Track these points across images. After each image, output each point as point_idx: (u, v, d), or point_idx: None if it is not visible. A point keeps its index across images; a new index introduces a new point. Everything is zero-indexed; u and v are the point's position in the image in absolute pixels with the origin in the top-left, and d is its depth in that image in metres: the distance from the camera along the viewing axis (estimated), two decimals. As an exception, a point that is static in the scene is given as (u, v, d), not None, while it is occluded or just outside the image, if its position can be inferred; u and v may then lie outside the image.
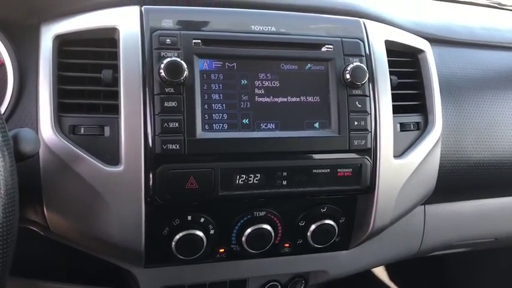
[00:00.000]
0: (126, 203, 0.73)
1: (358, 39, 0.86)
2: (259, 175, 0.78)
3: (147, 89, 0.73)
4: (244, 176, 0.78)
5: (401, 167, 0.88)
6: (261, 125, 0.79)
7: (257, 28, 0.81)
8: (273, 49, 0.80)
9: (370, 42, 0.87)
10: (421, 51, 0.95)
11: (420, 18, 1.03)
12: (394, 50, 0.91)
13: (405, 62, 0.94)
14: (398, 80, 0.91)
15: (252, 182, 0.78)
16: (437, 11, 1.15)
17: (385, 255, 1.01)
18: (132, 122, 0.72)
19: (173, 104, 0.74)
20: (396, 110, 0.86)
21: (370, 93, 0.84)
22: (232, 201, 0.80)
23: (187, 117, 0.74)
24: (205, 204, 0.79)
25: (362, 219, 0.89)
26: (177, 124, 0.73)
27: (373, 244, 0.96)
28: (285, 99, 0.81)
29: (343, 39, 0.84)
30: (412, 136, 0.92)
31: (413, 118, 0.93)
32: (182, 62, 0.72)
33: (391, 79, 0.88)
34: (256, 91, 0.79)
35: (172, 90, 0.74)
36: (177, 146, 0.73)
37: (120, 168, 0.73)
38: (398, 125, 0.91)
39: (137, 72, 0.73)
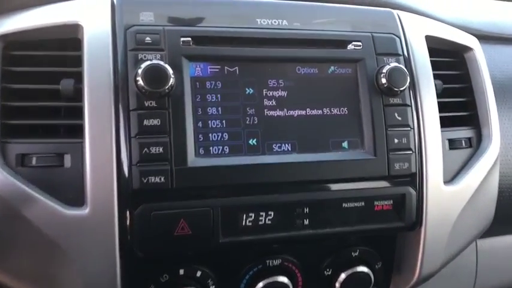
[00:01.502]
0: (95, 257, 0.61)
1: (393, 34, 0.75)
2: (272, 213, 0.66)
3: (120, 103, 0.62)
4: (253, 215, 0.65)
5: (454, 194, 0.76)
6: (274, 146, 0.67)
7: (264, 22, 0.70)
8: (286, 48, 0.70)
9: (408, 38, 0.77)
10: (468, 49, 0.85)
11: (463, 12, 0.99)
12: (435, 48, 0.81)
13: (449, 63, 0.85)
14: (444, 85, 0.80)
15: (263, 222, 0.66)
16: (480, 7, 1.09)
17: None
18: (101, 148, 0.61)
19: (155, 122, 0.62)
20: (442, 122, 0.76)
21: (411, 102, 0.73)
22: (237, 249, 0.68)
23: (174, 139, 0.62)
24: (202, 253, 0.67)
25: (405, 264, 0.77)
26: (161, 149, 0.61)
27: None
28: (303, 112, 0.69)
29: (374, 34, 0.74)
30: (463, 155, 0.81)
31: (464, 133, 0.82)
32: (167, 66, 0.61)
33: (435, 84, 0.78)
34: (266, 102, 0.68)
35: (154, 103, 0.62)
36: (162, 179, 0.61)
37: (85, 211, 0.60)
38: (447, 142, 0.79)
39: (107, 81, 0.62)
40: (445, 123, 0.78)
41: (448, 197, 0.76)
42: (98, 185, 0.61)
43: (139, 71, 0.61)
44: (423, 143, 0.73)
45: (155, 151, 0.61)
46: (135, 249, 0.62)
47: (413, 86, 0.74)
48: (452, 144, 0.80)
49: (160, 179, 0.61)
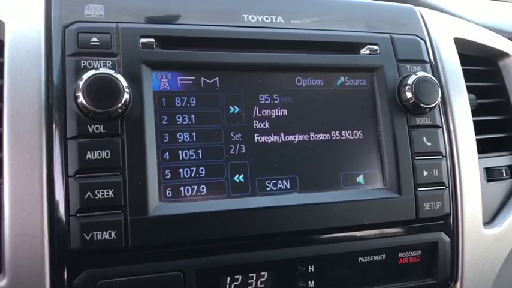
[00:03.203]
0: None
1: (417, 36, 0.68)
2: (266, 275, 0.58)
3: (54, 129, 0.54)
4: (239, 278, 0.57)
5: (497, 239, 0.68)
6: (267, 184, 0.60)
7: (253, 19, 0.63)
8: (282, 53, 0.63)
9: (434, 41, 0.70)
10: (504, 55, 0.78)
11: (496, 12, 0.92)
12: (463, 54, 0.74)
13: (481, 72, 0.77)
14: (478, 101, 0.73)
15: (253, 287, 0.58)
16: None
17: None
18: (26, 192, 0.52)
19: (103, 154, 0.53)
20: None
21: (442, 123, 0.66)
22: None
23: (130, 177, 0.54)
24: None
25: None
26: (111, 192, 0.53)
27: None
28: (306, 137, 0.62)
29: (394, 35, 0.67)
30: (504, 188, 0.73)
31: (504, 160, 0.75)
32: (119, 77, 0.53)
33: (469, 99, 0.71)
34: (256, 125, 0.61)
35: (101, 129, 0.54)
36: (113, 235, 0.52)
37: (1, 283, 0.51)
38: (484, 172, 0.71)
39: (36, 98, 0.54)
40: (478, 148, 0.71)
41: (489, 243, 0.68)
42: (21, 246, 0.52)
43: (81, 83, 0.52)
44: (457, 175, 0.66)
45: (103, 195, 0.53)
46: None
47: (443, 102, 0.67)
48: (491, 174, 0.73)
49: (109, 234, 0.52)
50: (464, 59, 0.74)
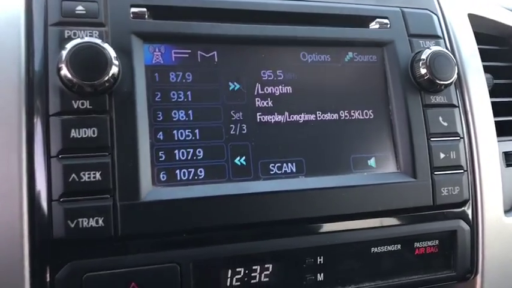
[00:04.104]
0: None
1: (428, 10, 0.66)
2: (271, 267, 0.55)
3: (35, 104, 0.50)
4: (241, 270, 0.54)
5: None
6: (271, 167, 0.56)
7: None
8: (286, 26, 0.60)
9: (447, 16, 0.67)
10: None
11: None
12: (478, 32, 0.71)
13: (497, 52, 0.75)
14: (494, 81, 0.71)
15: (257, 281, 0.54)
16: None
17: None
18: (2, 174, 0.48)
19: (89, 132, 0.49)
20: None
21: (458, 103, 0.62)
22: None
23: (120, 158, 0.50)
24: None
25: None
26: (98, 174, 0.48)
27: None
28: (312, 117, 0.59)
29: (405, 9, 0.64)
30: None
31: None
32: (106, 46, 0.49)
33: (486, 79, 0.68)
34: (259, 103, 0.57)
35: (87, 104, 0.49)
36: (100, 222, 0.48)
37: None
38: (503, 156, 0.69)
39: (15, 72, 0.50)
40: (496, 131, 0.68)
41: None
42: (-3, 235, 0.46)
43: (64, 53, 0.48)
44: (476, 158, 0.64)
45: (89, 178, 0.49)
46: None
47: (459, 80, 0.64)
48: (510, 159, 0.70)
49: (97, 222, 0.48)
50: (477, 37, 0.70)
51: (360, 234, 0.58)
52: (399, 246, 0.59)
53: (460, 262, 0.62)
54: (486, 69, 0.70)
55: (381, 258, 0.59)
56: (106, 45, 0.48)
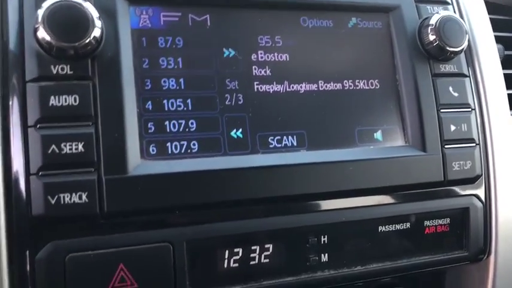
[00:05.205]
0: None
1: None
2: (271, 247, 0.52)
3: (10, 70, 0.46)
4: (240, 251, 0.51)
5: None
6: (270, 140, 0.53)
7: None
8: None
9: None
10: None
11: None
12: (488, 1, 0.69)
13: (507, 22, 0.73)
14: (505, 52, 0.69)
15: (257, 262, 0.51)
16: None
17: None
18: None
19: (70, 100, 0.46)
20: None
21: (469, 72, 0.60)
22: None
23: (104, 129, 0.47)
24: None
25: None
26: (80, 146, 0.45)
27: None
28: (314, 87, 0.56)
29: None
30: None
31: None
32: (88, 5, 0.46)
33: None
34: (256, 71, 0.54)
35: (67, 69, 0.46)
36: (84, 197, 0.45)
37: None
38: None
39: None
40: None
41: (527, 211, 0.61)
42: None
43: (41, 12, 0.45)
44: (488, 131, 0.62)
45: (71, 150, 0.45)
46: None
47: (469, 49, 0.62)
48: None
49: (80, 197, 0.45)
50: (487, 6, 0.67)
51: (365, 211, 0.56)
52: (408, 225, 0.57)
53: (473, 241, 0.60)
54: (497, 39, 0.67)
55: (388, 238, 0.57)
56: (88, 4, 0.45)
